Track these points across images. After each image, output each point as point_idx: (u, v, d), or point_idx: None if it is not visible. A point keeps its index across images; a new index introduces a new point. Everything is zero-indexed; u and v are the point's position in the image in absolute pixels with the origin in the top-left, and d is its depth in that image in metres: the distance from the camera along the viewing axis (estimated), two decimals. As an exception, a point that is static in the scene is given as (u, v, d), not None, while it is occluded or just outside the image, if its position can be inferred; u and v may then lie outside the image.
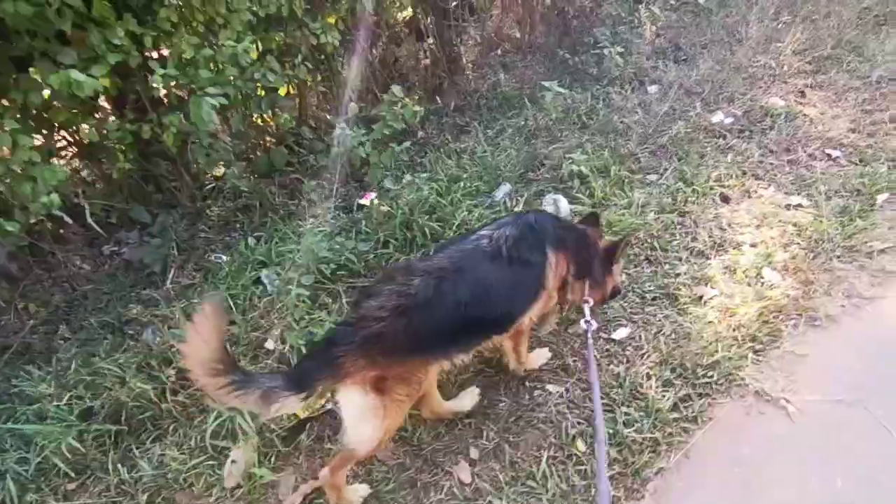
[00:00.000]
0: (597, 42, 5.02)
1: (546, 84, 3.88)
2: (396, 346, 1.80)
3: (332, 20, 3.54)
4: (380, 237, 3.07)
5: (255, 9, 2.96)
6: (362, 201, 3.38)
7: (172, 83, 2.72)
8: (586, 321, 2.18)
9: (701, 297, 2.63)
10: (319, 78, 4.06)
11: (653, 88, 4.59)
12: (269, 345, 2.56)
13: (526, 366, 2.40)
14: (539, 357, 2.48)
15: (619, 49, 4.63)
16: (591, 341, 2.14)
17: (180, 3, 2.73)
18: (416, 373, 1.90)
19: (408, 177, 3.33)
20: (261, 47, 3.27)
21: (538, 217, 2.22)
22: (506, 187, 3.58)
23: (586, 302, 2.25)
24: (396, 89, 3.43)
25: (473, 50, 5.31)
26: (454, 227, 3.07)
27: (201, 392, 2.16)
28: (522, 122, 4.16)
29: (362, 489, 2.06)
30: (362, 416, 1.83)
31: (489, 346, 2.27)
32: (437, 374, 2.15)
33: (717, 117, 3.96)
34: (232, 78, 2.86)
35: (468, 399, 2.31)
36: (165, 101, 3.02)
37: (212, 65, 2.86)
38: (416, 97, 4.36)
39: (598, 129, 4.00)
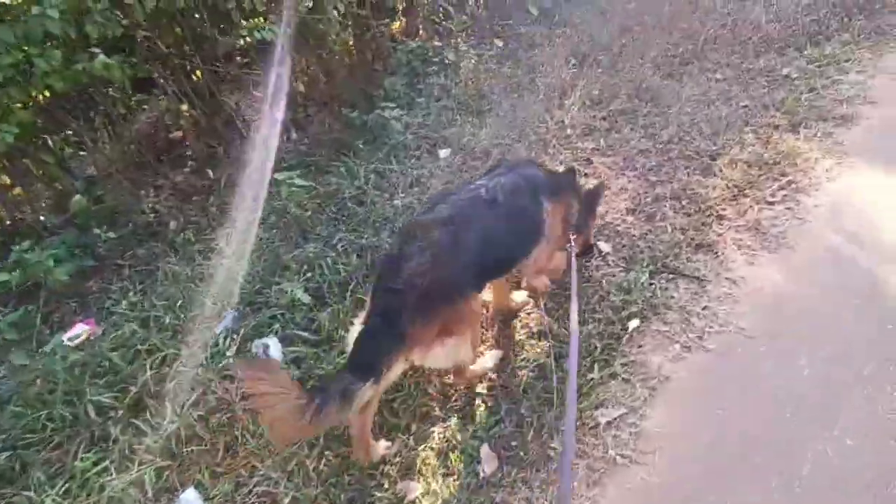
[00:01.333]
0: (387, 95, 4.41)
1: (280, 176, 3.20)
2: (445, 294, 1.94)
3: None
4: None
5: None
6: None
7: None
8: (569, 254, 2.44)
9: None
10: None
11: (444, 153, 4.04)
12: None
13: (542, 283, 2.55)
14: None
15: (400, 112, 4.04)
16: (574, 261, 2.40)
17: None
18: (468, 305, 2.05)
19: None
20: None
21: (528, 167, 2.43)
22: (230, 316, 2.89)
23: (570, 247, 2.46)
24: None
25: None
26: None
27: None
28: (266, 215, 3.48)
29: (495, 353, 2.49)
30: (449, 357, 2.05)
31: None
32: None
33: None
34: None
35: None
36: None
37: None
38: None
39: (362, 221, 3.39)
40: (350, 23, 4.53)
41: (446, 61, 4.72)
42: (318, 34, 4.22)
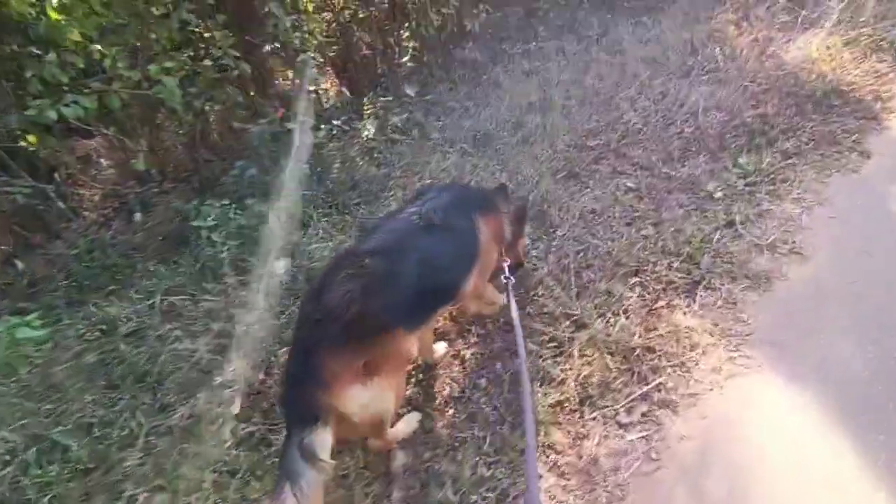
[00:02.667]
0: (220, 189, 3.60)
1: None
2: (373, 327, 1.81)
3: None
4: None
5: None
6: None
7: None
8: (506, 277, 2.42)
9: None
10: None
11: (282, 264, 3.22)
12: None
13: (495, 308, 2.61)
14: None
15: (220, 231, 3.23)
16: (511, 292, 2.35)
17: None
18: (397, 345, 1.91)
19: None
20: None
21: (459, 189, 2.49)
22: None
23: (505, 261, 2.46)
24: None
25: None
26: None
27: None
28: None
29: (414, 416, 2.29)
30: (371, 402, 1.83)
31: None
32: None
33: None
34: None
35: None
36: None
37: None
38: None
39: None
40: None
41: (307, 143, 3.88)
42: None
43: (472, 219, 2.23)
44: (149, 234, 3.63)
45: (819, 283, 2.71)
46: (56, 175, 3.78)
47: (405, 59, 5.36)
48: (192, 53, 3.67)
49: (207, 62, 3.68)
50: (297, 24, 4.42)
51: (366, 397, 1.79)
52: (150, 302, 2.99)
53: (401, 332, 1.91)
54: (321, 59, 5.35)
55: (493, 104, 4.56)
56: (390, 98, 4.88)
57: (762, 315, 2.59)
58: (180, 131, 4.03)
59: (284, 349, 2.62)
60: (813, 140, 3.66)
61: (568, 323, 2.61)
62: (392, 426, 2.12)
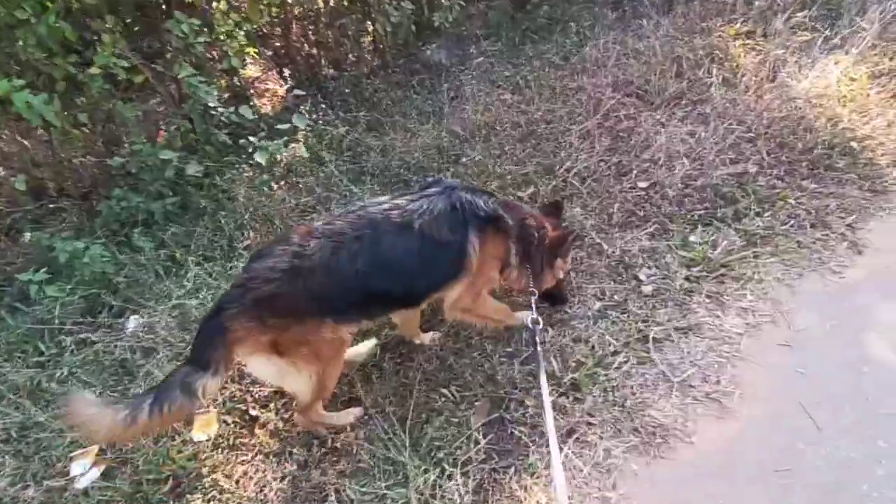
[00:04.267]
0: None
1: None
2: (290, 308, 1.78)
3: None
4: None
5: None
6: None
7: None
8: (533, 320, 2.13)
9: None
10: None
11: (133, 323, 2.80)
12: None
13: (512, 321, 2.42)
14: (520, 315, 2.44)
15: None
16: (538, 344, 2.05)
17: None
18: (317, 333, 1.85)
19: None
20: None
21: (468, 195, 2.08)
22: None
23: (532, 293, 2.23)
24: None
25: None
26: None
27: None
28: None
29: (356, 411, 2.23)
30: (279, 377, 1.93)
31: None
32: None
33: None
34: None
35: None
36: None
37: None
38: None
39: None
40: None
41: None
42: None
43: (463, 232, 2.02)
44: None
45: (732, 459, 1.98)
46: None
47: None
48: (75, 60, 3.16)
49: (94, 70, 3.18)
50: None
51: (269, 372, 1.89)
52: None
53: (328, 323, 1.85)
54: (260, 54, 4.79)
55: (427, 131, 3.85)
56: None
57: (638, 497, 1.91)
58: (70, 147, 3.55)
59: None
60: (794, 218, 2.81)
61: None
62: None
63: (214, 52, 4.01)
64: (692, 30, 4.09)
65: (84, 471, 2.21)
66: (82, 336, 2.75)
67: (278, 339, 1.80)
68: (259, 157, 3.24)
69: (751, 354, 2.28)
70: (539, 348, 2.04)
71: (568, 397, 2.20)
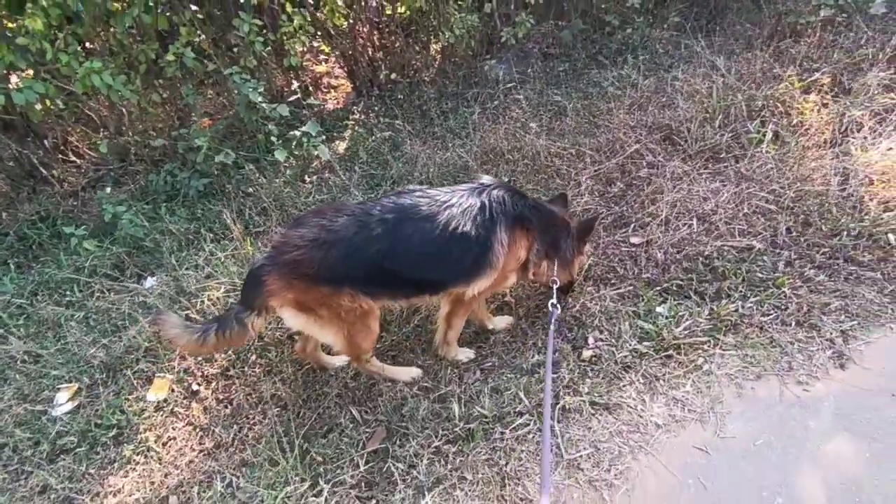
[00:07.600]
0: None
1: None
2: (309, 274, 1.99)
3: None
4: None
5: None
6: None
7: None
8: (553, 304, 2.31)
9: None
10: None
11: (150, 282, 3.30)
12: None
13: (448, 352, 2.54)
14: (459, 352, 2.57)
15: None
16: (552, 328, 2.25)
17: None
18: (336, 299, 2.05)
19: None
20: None
21: (500, 192, 2.20)
22: None
23: (554, 282, 2.38)
24: None
25: None
26: None
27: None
28: None
29: (415, 372, 2.52)
30: (308, 329, 2.18)
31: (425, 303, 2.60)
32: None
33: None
34: None
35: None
36: None
37: None
38: None
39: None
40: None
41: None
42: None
43: (491, 229, 2.12)
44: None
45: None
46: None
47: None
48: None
49: (170, 57, 3.70)
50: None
51: (297, 324, 2.13)
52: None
53: (346, 292, 2.04)
54: (330, 54, 5.10)
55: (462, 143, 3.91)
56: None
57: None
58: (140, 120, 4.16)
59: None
60: (779, 311, 2.50)
61: None
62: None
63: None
64: (758, 75, 3.67)
65: (62, 402, 2.69)
66: (107, 286, 3.27)
67: (301, 298, 2.04)
68: (279, 155, 3.55)
69: (659, 451, 2.12)
70: (552, 335, 2.21)
71: (454, 445, 2.23)
